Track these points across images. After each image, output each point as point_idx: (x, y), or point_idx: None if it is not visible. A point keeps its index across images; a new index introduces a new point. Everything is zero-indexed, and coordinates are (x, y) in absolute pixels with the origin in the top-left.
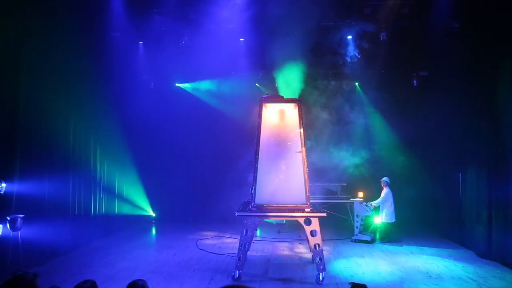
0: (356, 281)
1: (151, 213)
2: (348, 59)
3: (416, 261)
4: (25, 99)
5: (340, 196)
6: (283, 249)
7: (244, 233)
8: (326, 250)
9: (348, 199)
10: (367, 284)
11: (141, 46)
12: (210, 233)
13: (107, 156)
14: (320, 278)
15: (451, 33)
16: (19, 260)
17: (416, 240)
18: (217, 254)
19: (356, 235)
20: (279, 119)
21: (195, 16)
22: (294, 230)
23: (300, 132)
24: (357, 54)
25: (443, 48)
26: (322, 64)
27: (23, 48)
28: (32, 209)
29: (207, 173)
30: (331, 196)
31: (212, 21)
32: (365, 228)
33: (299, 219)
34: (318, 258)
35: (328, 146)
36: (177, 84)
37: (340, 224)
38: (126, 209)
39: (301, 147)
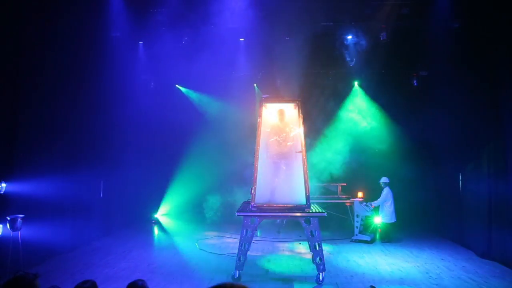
0: (357, 282)
1: (151, 213)
2: (348, 59)
3: (416, 261)
4: (25, 98)
5: (340, 196)
6: (283, 249)
7: (244, 233)
8: (326, 250)
9: (348, 199)
10: (367, 284)
11: (141, 46)
12: (210, 233)
13: (107, 155)
14: (320, 278)
15: (451, 33)
16: (19, 260)
17: (416, 240)
18: (217, 254)
19: (356, 235)
20: (279, 119)
21: (195, 16)
22: (294, 230)
23: (300, 132)
24: (357, 54)
25: (443, 48)
26: (322, 64)
27: (23, 47)
28: (32, 209)
29: (207, 172)
30: (331, 196)
31: (212, 21)
32: (365, 228)
33: (299, 219)
34: (318, 258)
35: (328, 146)
36: (177, 86)
37: (340, 224)
38: (126, 209)
39: (301, 147)
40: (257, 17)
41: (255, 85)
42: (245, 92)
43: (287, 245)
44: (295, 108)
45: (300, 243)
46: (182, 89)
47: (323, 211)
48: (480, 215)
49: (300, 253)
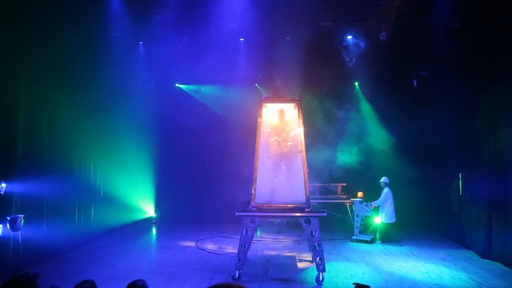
0: (358, 282)
1: (152, 214)
2: (348, 59)
3: (416, 261)
4: (26, 99)
5: (340, 196)
6: (283, 249)
7: (244, 233)
8: (326, 250)
9: (348, 199)
10: (368, 284)
11: (141, 46)
12: (210, 233)
13: (107, 156)
14: (320, 278)
15: (451, 33)
16: (19, 260)
17: (416, 240)
18: (217, 254)
19: (356, 235)
20: (279, 119)
21: (195, 16)
22: (294, 230)
23: (300, 132)
24: (357, 54)
25: (443, 48)
26: (322, 64)
27: (23, 49)
28: (32, 209)
29: (207, 172)
30: (331, 196)
31: (212, 21)
32: (365, 228)
33: (299, 219)
34: (318, 258)
35: (328, 146)
36: (177, 85)
37: (340, 224)
38: (126, 209)
39: (301, 147)
40: (257, 17)
41: (256, 84)
42: (245, 92)
43: (287, 245)
44: (295, 108)
45: (300, 243)
46: (183, 86)
47: (323, 211)
48: (480, 215)
49: (300, 253)
